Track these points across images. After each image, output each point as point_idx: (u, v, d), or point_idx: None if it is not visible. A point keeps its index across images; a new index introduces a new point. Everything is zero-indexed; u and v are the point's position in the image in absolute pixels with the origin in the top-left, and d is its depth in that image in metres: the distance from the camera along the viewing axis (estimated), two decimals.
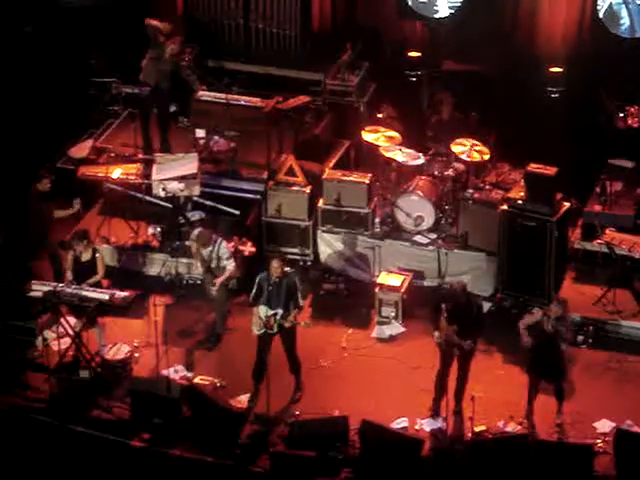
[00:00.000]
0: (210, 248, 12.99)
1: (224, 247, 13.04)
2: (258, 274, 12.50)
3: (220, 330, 13.30)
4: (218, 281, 12.97)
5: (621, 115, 13.94)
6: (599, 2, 14.72)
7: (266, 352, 12.41)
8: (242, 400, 12.60)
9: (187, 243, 13.53)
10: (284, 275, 12.31)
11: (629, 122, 13.83)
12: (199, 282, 13.82)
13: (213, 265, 13.00)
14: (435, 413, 12.34)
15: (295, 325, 12.34)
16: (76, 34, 16.08)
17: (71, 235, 13.44)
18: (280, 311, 12.27)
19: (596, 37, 15.08)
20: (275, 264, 12.24)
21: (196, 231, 13.26)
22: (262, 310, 12.34)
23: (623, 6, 14.74)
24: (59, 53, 16.06)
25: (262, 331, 12.37)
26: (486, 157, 14.06)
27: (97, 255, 13.11)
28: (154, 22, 14.71)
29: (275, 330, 12.35)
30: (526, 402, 12.19)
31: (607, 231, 13.51)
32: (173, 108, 15.32)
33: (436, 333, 12.21)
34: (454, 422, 12.28)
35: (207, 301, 13.34)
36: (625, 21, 14.77)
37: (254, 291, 12.40)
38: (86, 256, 13.07)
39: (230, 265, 12.99)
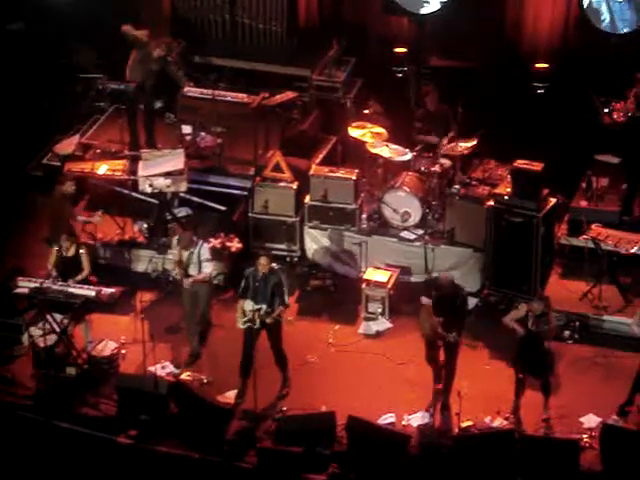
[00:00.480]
0: (191, 249, 12.93)
1: (205, 249, 12.99)
2: (245, 269, 12.50)
3: (198, 350, 13.07)
4: (192, 279, 12.83)
5: (606, 111, 13.96)
6: None
7: (252, 347, 12.43)
8: (229, 396, 12.60)
9: (172, 244, 13.41)
10: (271, 271, 12.34)
11: (614, 117, 13.85)
12: None
13: (192, 267, 12.90)
14: (443, 406, 12.29)
15: (279, 321, 12.35)
16: (62, 30, 16.04)
17: (51, 237, 13.35)
18: (264, 307, 12.30)
19: (582, 33, 15.11)
20: (263, 261, 12.28)
21: (176, 236, 13.21)
22: (247, 304, 12.36)
23: (603, 2, 14.77)
24: (45, 49, 16.01)
25: (246, 325, 12.38)
26: (474, 150, 14.02)
27: (81, 251, 13.07)
28: (132, 31, 14.63)
29: (257, 325, 12.37)
30: (513, 397, 12.21)
31: (593, 227, 13.54)
32: (159, 104, 15.29)
33: (426, 324, 12.24)
34: (441, 418, 12.30)
35: (186, 316, 13.13)
36: (606, 17, 14.80)
37: (242, 285, 12.44)
38: (71, 252, 13.04)
39: (208, 268, 12.89)
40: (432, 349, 12.34)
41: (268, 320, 12.29)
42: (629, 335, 12.44)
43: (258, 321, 12.33)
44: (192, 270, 12.89)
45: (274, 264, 12.48)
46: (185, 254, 12.88)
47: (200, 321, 13.10)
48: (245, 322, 12.40)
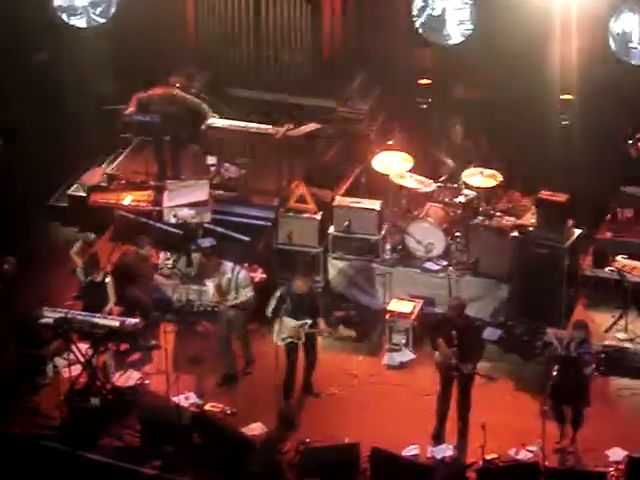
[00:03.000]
0: (228, 276, 12.99)
1: (242, 275, 13.06)
2: (277, 290, 12.73)
3: (232, 370, 13.22)
4: (229, 303, 12.96)
5: (631, 142, 13.93)
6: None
7: (295, 365, 12.68)
8: (253, 428, 12.57)
9: (207, 283, 13.48)
10: (308, 289, 12.64)
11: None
12: (209, 309, 13.81)
13: (232, 294, 12.99)
14: (436, 437, 12.29)
15: (315, 333, 12.67)
16: (88, 62, 16.16)
17: (85, 264, 13.35)
18: (309, 321, 12.54)
19: (607, 64, 15.08)
20: (301, 283, 12.60)
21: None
22: (290, 321, 12.56)
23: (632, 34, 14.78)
24: (72, 81, 16.13)
25: (288, 341, 12.55)
26: (498, 181, 14.02)
27: (107, 280, 13.13)
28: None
29: (302, 340, 12.60)
30: (555, 428, 12.05)
31: (618, 258, 13.48)
32: (196, 148, 15.27)
33: (436, 354, 12.22)
34: (464, 450, 12.23)
35: (222, 339, 13.23)
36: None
37: (273, 305, 12.66)
38: (98, 278, 13.13)
39: (249, 293, 13.02)
40: (447, 381, 12.24)
41: (318, 332, 12.65)
42: None
43: (303, 335, 12.56)
44: (230, 296, 12.93)
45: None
46: (224, 280, 12.91)
47: (243, 346, 13.17)
48: (286, 338, 12.55)
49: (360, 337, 13.78)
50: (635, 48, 14.79)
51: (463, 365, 12.05)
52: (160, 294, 13.87)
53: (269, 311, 12.74)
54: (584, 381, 11.98)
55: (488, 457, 11.99)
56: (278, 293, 12.70)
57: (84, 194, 15.07)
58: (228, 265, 13.08)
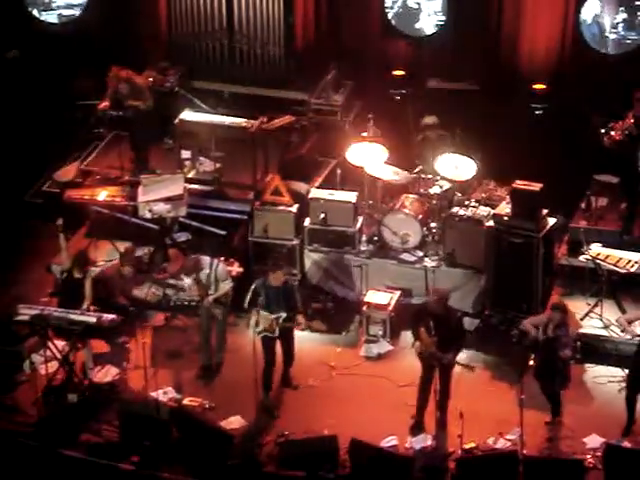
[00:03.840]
0: (207, 271, 12.99)
1: (221, 269, 13.05)
2: (254, 282, 12.68)
3: (219, 359, 13.25)
4: (211, 297, 12.95)
5: (603, 131, 14.00)
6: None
7: (273, 358, 12.66)
8: (232, 421, 12.57)
9: (184, 278, 13.48)
10: (284, 282, 12.60)
11: (613, 136, 13.87)
12: (186, 303, 13.79)
13: (212, 289, 12.99)
14: (417, 424, 12.34)
15: (292, 327, 12.62)
16: (61, 57, 16.09)
17: (74, 258, 13.32)
18: (283, 314, 12.48)
19: (579, 53, 15.15)
20: (278, 275, 12.56)
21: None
22: (263, 314, 12.57)
23: (600, 20, 14.88)
24: (44, 76, 16.06)
25: (263, 334, 12.52)
26: (472, 174, 14.09)
27: (87, 279, 13.07)
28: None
29: (276, 334, 12.54)
30: (532, 417, 12.10)
31: (593, 247, 13.56)
32: (170, 142, 15.22)
33: (417, 343, 12.26)
34: (443, 440, 12.27)
35: (203, 333, 13.22)
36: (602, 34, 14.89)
37: (249, 297, 12.66)
38: (78, 274, 13.11)
39: (227, 285, 13.02)
40: (428, 370, 12.30)
41: (288, 325, 12.53)
42: (631, 353, 12.40)
43: (277, 329, 12.48)
44: (211, 290, 12.94)
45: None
46: (204, 275, 12.89)
47: (218, 341, 13.14)
48: (261, 331, 12.50)
49: (332, 330, 13.73)
50: (606, 37, 14.88)
51: (443, 355, 12.09)
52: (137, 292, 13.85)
53: (245, 304, 12.75)
54: (563, 361, 12.03)
55: (466, 446, 12.04)
56: (253, 286, 12.71)
57: (59, 190, 15.01)
58: (206, 260, 13.06)
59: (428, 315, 12.21)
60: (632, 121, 13.71)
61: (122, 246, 14.41)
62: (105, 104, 14.84)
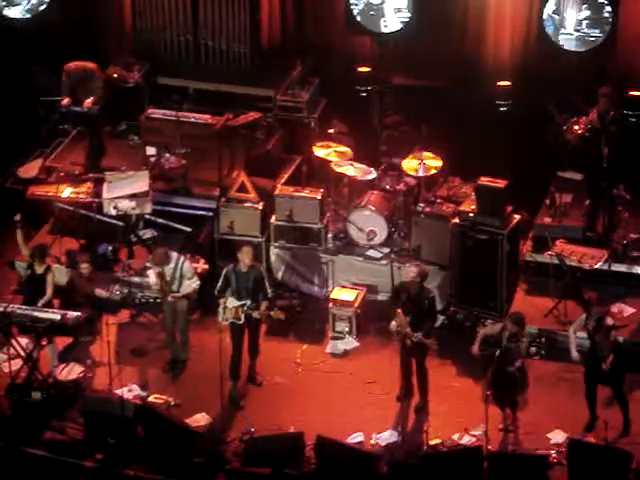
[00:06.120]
0: (172, 266, 12.94)
1: (187, 266, 13.00)
2: (224, 268, 12.67)
3: (184, 355, 13.20)
4: (178, 295, 12.90)
5: (565, 128, 14.08)
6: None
7: (240, 346, 12.64)
8: (197, 419, 12.54)
9: (147, 264, 13.43)
10: (252, 267, 12.54)
11: (576, 130, 13.94)
12: (152, 300, 13.74)
13: (175, 285, 12.92)
14: (404, 394, 12.43)
15: (262, 317, 12.54)
16: (24, 53, 15.97)
17: (32, 251, 13.26)
18: (248, 302, 12.47)
19: (542, 50, 15.22)
20: (246, 249, 12.54)
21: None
22: (231, 301, 12.51)
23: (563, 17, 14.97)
24: (6, 72, 15.93)
25: (230, 321, 12.50)
26: (438, 165, 14.09)
27: (48, 275, 13.02)
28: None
29: (242, 321, 12.53)
30: (498, 413, 12.20)
31: (557, 243, 13.63)
32: (123, 127, 15.27)
33: (392, 322, 12.30)
34: (409, 436, 12.31)
35: (167, 328, 13.20)
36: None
37: (220, 283, 12.66)
38: (40, 270, 13.01)
39: (194, 283, 12.97)
40: (403, 349, 12.37)
41: (255, 315, 12.46)
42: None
43: (243, 317, 12.46)
44: (174, 286, 12.86)
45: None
46: (168, 270, 12.84)
47: (182, 337, 13.10)
48: (228, 319, 12.43)
49: (293, 322, 13.66)
50: (570, 34, 14.95)
51: (413, 333, 12.13)
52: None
53: (216, 290, 12.71)
54: (515, 370, 12.07)
55: (432, 442, 12.08)
56: (224, 272, 12.69)
57: (22, 187, 14.89)
58: (173, 255, 13.02)
59: (404, 293, 12.27)
60: (595, 116, 13.79)
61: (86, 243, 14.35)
62: (67, 100, 14.76)
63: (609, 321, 12.11)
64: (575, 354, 12.18)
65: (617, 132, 13.70)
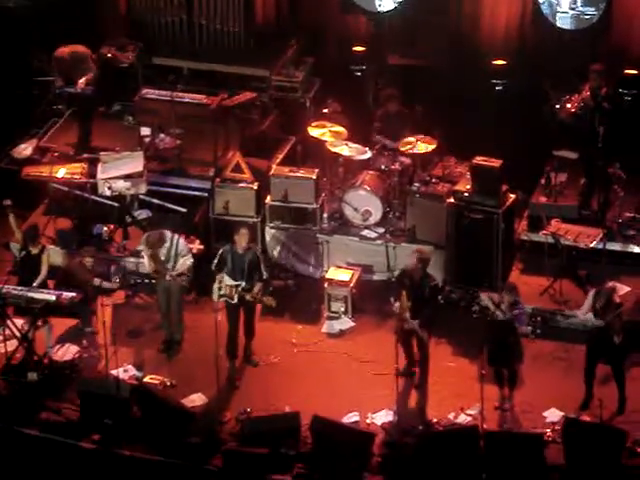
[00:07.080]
0: (167, 245, 12.92)
1: (182, 244, 13.01)
2: (221, 248, 12.66)
3: (179, 336, 13.21)
4: (174, 273, 12.90)
5: (558, 106, 14.04)
6: None
7: (236, 325, 12.67)
8: (193, 399, 12.55)
9: (139, 248, 13.42)
10: (248, 249, 12.54)
11: (569, 109, 13.90)
12: (147, 281, 13.74)
13: (170, 263, 12.92)
14: (403, 372, 12.44)
15: (255, 300, 12.53)
16: (17, 34, 15.91)
17: (24, 233, 13.24)
18: (243, 283, 12.47)
19: (538, 29, 15.18)
20: (243, 231, 12.54)
21: (144, 235, 13.22)
22: (227, 280, 12.53)
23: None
24: (0, 53, 15.88)
25: (222, 299, 12.52)
26: (432, 147, 14.09)
27: (43, 255, 13.01)
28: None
29: (235, 301, 12.51)
30: (493, 391, 12.22)
31: (552, 222, 13.63)
32: (117, 107, 15.23)
33: (396, 304, 12.31)
34: (405, 415, 12.33)
35: (161, 309, 13.20)
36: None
37: (216, 261, 12.67)
38: (35, 250, 13.02)
39: (189, 260, 12.96)
40: (402, 333, 12.37)
41: (248, 297, 12.49)
42: (587, 328, 12.50)
43: (236, 297, 12.45)
44: (169, 264, 12.87)
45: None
46: (162, 251, 12.83)
47: (176, 317, 13.10)
48: (221, 296, 12.46)
49: (284, 308, 13.64)
50: (565, 12, 14.92)
51: (410, 320, 12.14)
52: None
53: (213, 266, 12.72)
54: (517, 340, 12.12)
55: (428, 421, 12.09)
56: (220, 251, 12.68)
57: (16, 167, 14.86)
58: (167, 234, 13.01)
59: (406, 278, 12.27)
60: (588, 93, 13.76)
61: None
62: (61, 81, 14.71)
63: (617, 298, 12.12)
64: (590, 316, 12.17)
65: (610, 109, 13.66)
